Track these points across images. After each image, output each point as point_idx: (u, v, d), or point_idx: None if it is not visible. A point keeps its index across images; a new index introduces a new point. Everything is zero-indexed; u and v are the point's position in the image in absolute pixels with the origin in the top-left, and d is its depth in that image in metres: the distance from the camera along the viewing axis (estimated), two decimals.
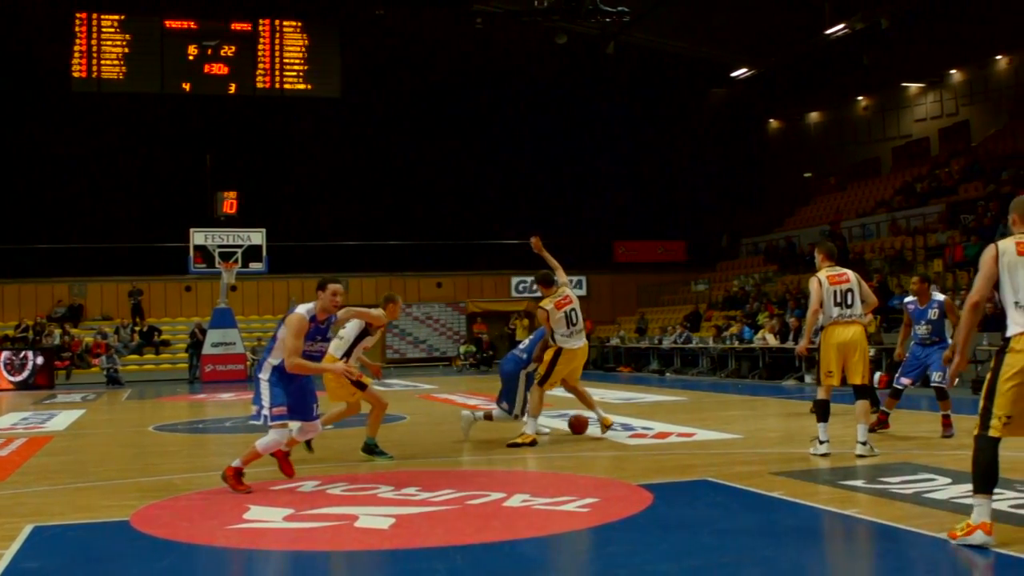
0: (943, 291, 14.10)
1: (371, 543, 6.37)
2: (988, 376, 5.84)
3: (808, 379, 22.18)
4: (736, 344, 26.47)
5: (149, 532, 6.86)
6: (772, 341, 24.47)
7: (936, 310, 11.68)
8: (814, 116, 44.13)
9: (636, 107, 42.06)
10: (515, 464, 9.93)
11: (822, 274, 10.06)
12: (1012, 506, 6.84)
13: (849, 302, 9.88)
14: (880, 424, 11.60)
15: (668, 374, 28.59)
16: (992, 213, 26.26)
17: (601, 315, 37.67)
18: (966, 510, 6.73)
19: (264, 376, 8.38)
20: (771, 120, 45.83)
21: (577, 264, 39.53)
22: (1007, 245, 5.94)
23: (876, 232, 32.12)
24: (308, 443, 10.30)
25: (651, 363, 30.64)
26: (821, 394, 9.95)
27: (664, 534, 6.54)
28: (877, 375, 19.76)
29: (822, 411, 9.83)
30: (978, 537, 5.68)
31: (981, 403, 5.82)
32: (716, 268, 39.68)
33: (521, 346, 12.37)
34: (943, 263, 25.54)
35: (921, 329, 11.77)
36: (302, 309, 8.42)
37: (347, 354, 10.24)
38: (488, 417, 12.01)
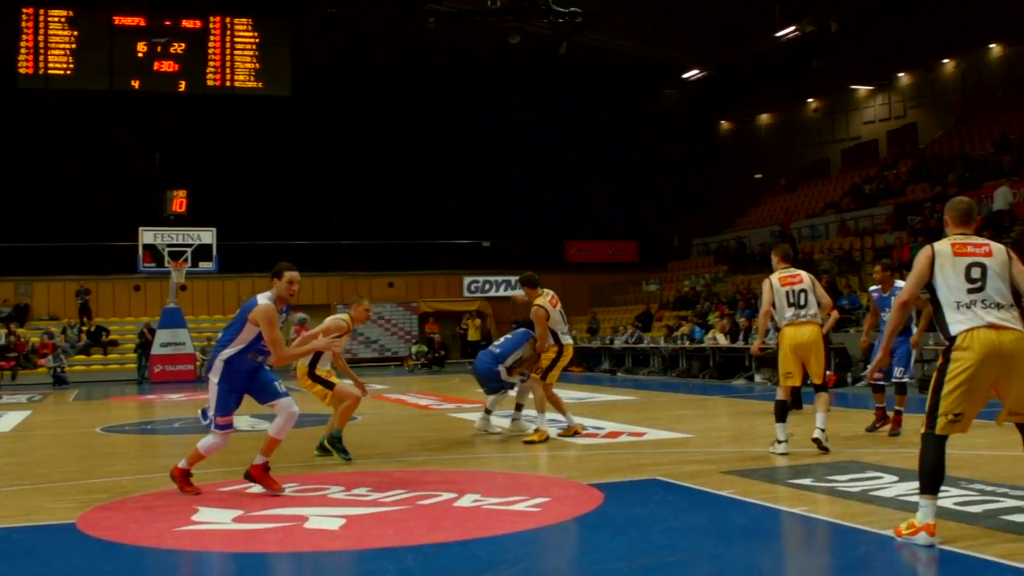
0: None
1: (321, 544, 6.33)
2: (935, 375, 5.90)
3: (758, 379, 22.35)
4: (687, 344, 26.61)
5: (96, 535, 6.77)
6: (722, 341, 24.62)
7: None
8: (764, 118, 44.52)
9: (588, 107, 42.18)
10: (466, 464, 9.91)
11: (774, 276, 10.20)
12: (957, 503, 6.92)
13: (803, 303, 9.98)
14: (880, 421, 11.60)
15: (619, 374, 28.68)
16: (939, 215, 26.59)
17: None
18: (912, 507, 6.80)
19: (216, 379, 8.02)
20: (722, 121, 46.17)
21: (529, 264, 39.52)
22: (943, 247, 6.02)
23: (825, 233, 32.45)
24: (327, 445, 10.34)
25: (602, 363, 30.73)
26: (780, 395, 10.03)
27: (615, 533, 6.55)
28: (827, 374, 19.94)
29: (780, 411, 9.88)
30: (922, 538, 5.75)
31: (928, 402, 5.87)
32: (667, 268, 39.88)
33: (496, 344, 12.36)
34: (891, 264, 25.79)
35: (886, 318, 11.86)
36: (265, 298, 7.93)
37: (312, 364, 10.45)
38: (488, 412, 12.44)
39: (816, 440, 9.75)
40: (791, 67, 38.47)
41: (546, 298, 11.81)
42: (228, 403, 8.06)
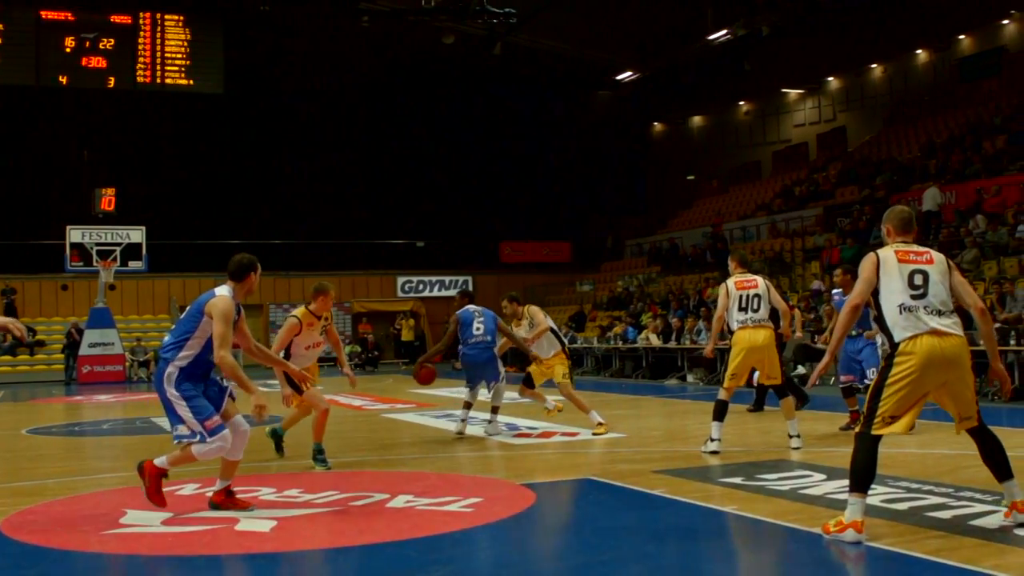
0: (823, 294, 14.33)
1: (251, 546, 6.26)
2: (875, 379, 6.03)
3: (690, 379, 22.53)
4: (620, 344, 26.75)
5: (21, 539, 6.64)
6: (655, 341, 24.78)
7: None
8: (697, 120, 44.92)
9: (523, 108, 42.24)
10: (399, 465, 9.88)
11: (731, 280, 10.32)
12: (883, 501, 7.03)
13: (755, 307, 10.12)
14: (855, 423, 11.59)
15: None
16: (867, 217, 27.03)
17: None
18: (840, 505, 6.91)
19: (173, 390, 6.96)
20: (655, 123, 46.51)
21: (463, 264, 39.65)
22: (887, 254, 6.14)
23: (756, 234, 32.80)
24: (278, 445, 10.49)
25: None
26: (722, 395, 10.05)
27: (547, 533, 6.57)
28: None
29: (719, 411, 9.94)
30: (849, 535, 5.83)
31: (866, 404, 5.98)
32: (600, 269, 40.07)
33: (475, 335, 12.17)
34: (820, 265, 26.19)
35: None
36: (226, 290, 7.18)
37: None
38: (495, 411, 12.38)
39: (796, 449, 9.86)
40: (723, 70, 38.86)
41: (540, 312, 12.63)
42: (205, 405, 6.98)
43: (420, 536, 6.44)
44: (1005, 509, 6.23)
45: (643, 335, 25.86)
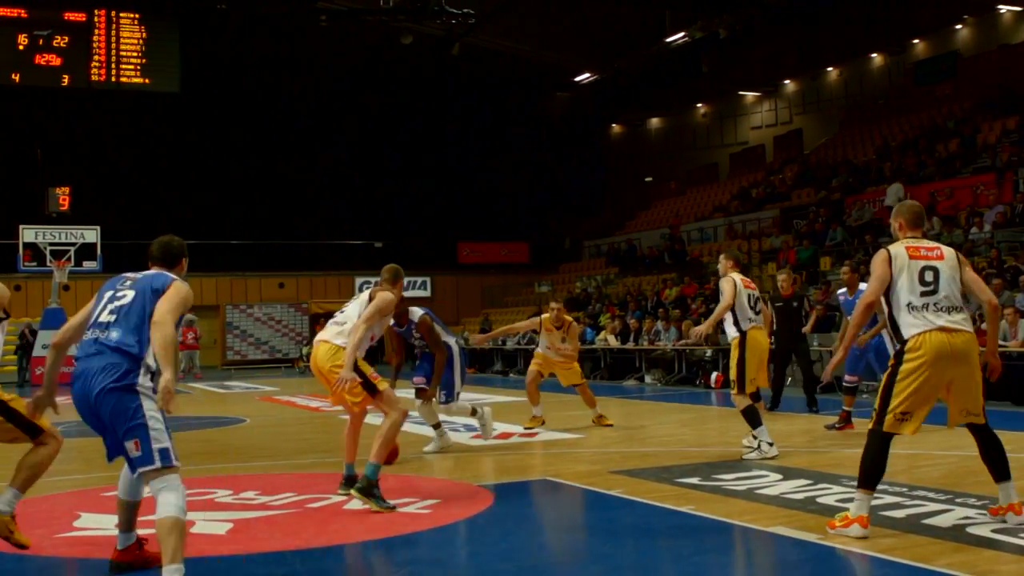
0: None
1: (208, 549, 6.22)
2: (886, 376, 6.03)
3: (648, 379, 22.60)
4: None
5: None
6: (613, 342, 24.85)
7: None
8: (655, 122, 45.13)
9: (481, 109, 42.23)
10: (356, 467, 9.82)
11: (737, 276, 9.94)
12: (839, 500, 7.09)
13: (758, 309, 9.89)
14: (844, 422, 11.57)
15: (512, 375, 28.76)
16: (823, 218, 27.26)
17: (445, 316, 37.57)
18: (793, 504, 6.98)
19: (150, 404, 5.30)
20: (613, 125, 46.67)
21: (421, 265, 39.57)
22: (898, 250, 6.13)
23: (714, 236, 32.98)
24: None
25: (495, 364, 30.78)
26: (745, 401, 9.48)
27: (504, 534, 6.57)
28: (714, 375, 20.29)
29: (755, 416, 9.41)
30: (855, 530, 5.85)
31: (877, 401, 6.00)
32: (559, 270, 40.14)
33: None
34: (777, 265, 26.37)
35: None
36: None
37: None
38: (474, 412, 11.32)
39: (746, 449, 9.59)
40: (681, 72, 39.08)
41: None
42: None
43: (377, 538, 6.42)
44: (992, 507, 6.31)
45: (601, 336, 25.93)
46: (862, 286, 11.98)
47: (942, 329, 5.91)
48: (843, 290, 12.39)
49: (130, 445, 5.24)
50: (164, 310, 5.38)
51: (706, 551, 5.90)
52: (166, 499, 5.21)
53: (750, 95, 40.99)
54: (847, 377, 12.01)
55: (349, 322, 7.92)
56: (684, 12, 34.16)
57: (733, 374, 9.56)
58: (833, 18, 34.28)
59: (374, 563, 5.97)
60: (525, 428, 12.56)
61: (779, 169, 35.55)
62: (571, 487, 8.17)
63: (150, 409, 5.27)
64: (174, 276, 5.73)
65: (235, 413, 16.71)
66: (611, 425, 12.73)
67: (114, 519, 6.59)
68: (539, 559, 5.93)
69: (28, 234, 30.98)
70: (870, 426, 6.06)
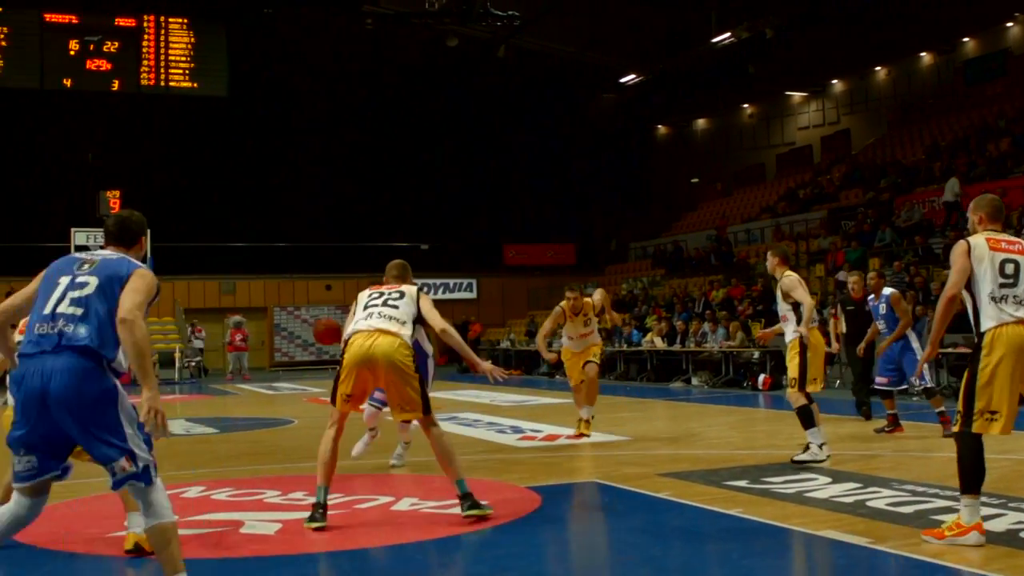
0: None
1: (257, 549, 6.27)
2: (966, 374, 5.88)
3: (695, 381, 22.49)
4: (624, 347, 26.73)
5: (26, 541, 6.64)
6: (660, 344, 24.77)
7: (884, 304, 11.75)
8: (701, 123, 44.91)
9: (527, 111, 42.23)
10: (404, 468, 9.86)
11: (797, 277, 9.55)
12: (889, 504, 7.02)
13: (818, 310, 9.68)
14: (893, 425, 11.44)
15: (558, 376, 28.69)
16: (871, 219, 27.01)
17: (491, 318, 37.78)
18: (844, 509, 6.91)
19: (120, 407, 4.67)
20: (659, 126, 46.48)
21: (467, 267, 39.67)
22: (977, 240, 5.99)
23: (761, 237, 32.77)
24: None
25: (541, 366, 30.73)
26: (803, 399, 9.25)
27: (552, 536, 6.56)
28: (762, 377, 20.16)
29: (810, 416, 9.20)
30: (973, 537, 5.70)
31: (961, 401, 5.85)
32: (605, 272, 40.05)
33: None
34: (825, 268, 26.17)
35: (880, 325, 11.91)
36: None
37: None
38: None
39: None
40: (727, 73, 38.86)
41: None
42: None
43: (425, 539, 6.44)
44: None
45: (648, 338, 25.85)
46: (886, 290, 11.87)
47: (1020, 322, 5.75)
48: (871, 296, 12.21)
49: (123, 463, 4.59)
50: (132, 305, 4.67)
51: (754, 554, 5.86)
52: (155, 502, 4.68)
53: (797, 95, 40.69)
54: (877, 380, 11.87)
55: (406, 319, 7.31)
56: (730, 13, 33.98)
57: (794, 372, 9.26)
58: (881, 17, 33.95)
59: (421, 564, 5.98)
60: (574, 435, 11.84)
61: (827, 170, 35.26)
62: (619, 489, 8.14)
63: (128, 420, 4.67)
64: (136, 262, 5.04)
65: (283, 414, 16.83)
66: (588, 435, 11.69)
67: None
68: (588, 561, 5.93)
69: (80, 237, 31.32)
70: (956, 428, 5.90)
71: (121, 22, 38.44)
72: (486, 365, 7.40)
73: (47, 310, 4.70)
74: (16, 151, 36.55)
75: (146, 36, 38.71)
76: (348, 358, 7.13)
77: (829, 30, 35.46)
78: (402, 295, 7.45)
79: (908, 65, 36.61)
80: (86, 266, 4.85)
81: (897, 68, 36.96)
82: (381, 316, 7.23)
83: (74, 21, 37.81)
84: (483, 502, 6.92)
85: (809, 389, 9.23)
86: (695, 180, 44.20)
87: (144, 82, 38.65)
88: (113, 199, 33.38)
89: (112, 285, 4.75)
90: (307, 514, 6.89)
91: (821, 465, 8.88)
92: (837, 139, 37.98)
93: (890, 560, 5.57)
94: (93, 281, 4.76)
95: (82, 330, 4.61)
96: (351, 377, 7.16)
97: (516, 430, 13.00)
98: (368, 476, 9.25)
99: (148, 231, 5.57)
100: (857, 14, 34.07)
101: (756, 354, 21.04)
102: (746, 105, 42.49)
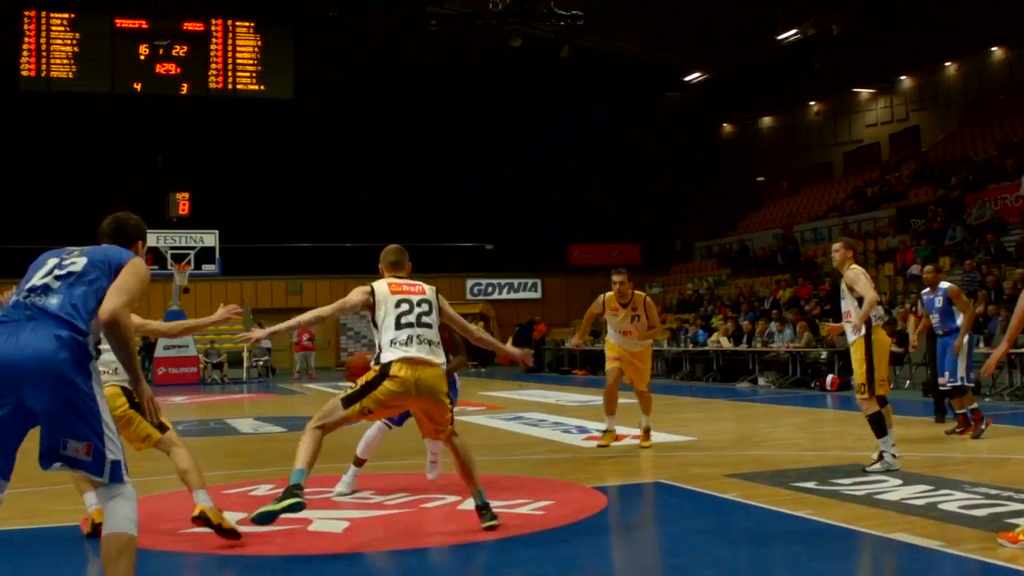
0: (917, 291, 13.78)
1: (324, 547, 6.33)
2: None
3: (762, 381, 22.31)
4: (690, 346, 26.59)
5: (100, 537, 6.76)
6: (726, 344, 24.61)
7: (941, 298, 11.59)
8: (767, 121, 44.51)
9: (591, 110, 42.16)
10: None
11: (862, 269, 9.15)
12: (962, 507, 6.91)
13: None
14: (964, 426, 11.20)
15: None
16: (941, 217, 26.59)
17: (556, 318, 37.74)
18: (916, 511, 6.81)
19: (96, 387, 4.36)
20: (724, 124, 46.15)
21: (532, 267, 39.69)
22: None
23: (828, 236, 32.37)
24: None
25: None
26: (874, 406, 8.74)
27: (619, 537, 6.55)
28: (830, 377, 19.94)
29: (882, 424, 8.71)
30: None
31: None
32: (670, 271, 39.88)
33: None
34: (894, 267, 25.82)
35: (933, 319, 11.74)
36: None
37: None
38: None
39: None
40: (793, 70, 38.47)
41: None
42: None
43: (490, 538, 6.45)
44: None
45: (713, 338, 25.70)
46: (943, 284, 11.66)
47: None
48: (925, 290, 11.99)
49: (77, 446, 4.22)
50: (115, 307, 4.38)
51: (823, 557, 5.79)
52: (117, 511, 4.30)
53: (864, 92, 40.16)
54: (940, 380, 11.65)
55: (439, 339, 6.94)
56: (796, 9, 33.65)
57: (861, 377, 8.72)
58: (951, 11, 33.37)
59: (488, 563, 5.99)
60: (598, 446, 10.61)
61: (895, 167, 34.78)
62: (684, 490, 8.09)
63: (104, 407, 4.31)
64: (130, 251, 4.90)
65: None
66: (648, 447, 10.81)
67: (234, 515, 6.76)
68: (654, 563, 5.90)
69: (150, 238, 31.85)
70: None
71: (189, 26, 39.04)
72: (517, 351, 7.34)
73: (27, 285, 4.46)
74: (88, 154, 37.21)
75: (213, 40, 39.27)
76: (392, 388, 6.52)
77: (897, 25, 34.93)
78: (431, 307, 7.02)
79: (978, 60, 35.96)
80: (76, 252, 4.68)
81: (967, 63, 36.31)
82: (421, 342, 6.71)
83: (144, 26, 38.45)
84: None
85: (879, 392, 8.77)
86: (761, 178, 43.83)
87: (212, 85, 39.22)
88: (182, 200, 33.97)
89: (101, 266, 4.55)
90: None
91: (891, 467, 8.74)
92: (906, 136, 37.44)
93: (964, 564, 5.48)
94: (80, 261, 4.57)
95: (54, 300, 4.34)
96: (389, 405, 6.71)
97: (582, 430, 12.99)
98: (439, 476, 9.27)
99: (146, 237, 5.29)
100: (925, 9, 33.53)
101: (824, 354, 20.82)
102: (812, 102, 42.03)
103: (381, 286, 7.01)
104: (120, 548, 4.26)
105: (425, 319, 6.86)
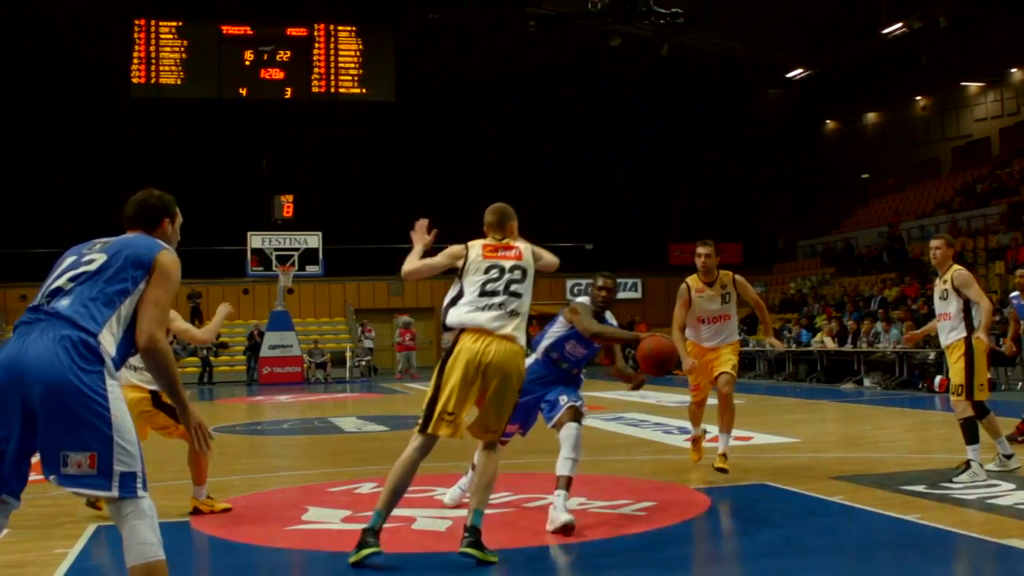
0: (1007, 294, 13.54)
1: (428, 545, 6.39)
2: None
3: (867, 383, 21.91)
4: (793, 347, 26.24)
5: (209, 532, 6.93)
6: (830, 344, 24.23)
7: None
8: (871, 116, 43.66)
9: (691, 109, 41.86)
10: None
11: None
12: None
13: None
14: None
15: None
16: None
17: (656, 317, 37.48)
18: None
19: (116, 404, 3.94)
20: (827, 121, 45.41)
21: (632, 266, 39.52)
22: None
23: (936, 233, 31.70)
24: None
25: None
26: (969, 410, 8.40)
27: (721, 539, 6.49)
28: (938, 379, 19.50)
29: (975, 431, 8.35)
30: None
31: None
32: (772, 270, 39.39)
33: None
34: (1005, 265, 25.17)
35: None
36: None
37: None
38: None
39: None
40: (898, 64, 37.69)
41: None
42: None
43: (593, 538, 6.44)
44: None
45: (817, 338, 25.33)
46: None
47: None
48: (1015, 294, 11.54)
49: (79, 459, 3.74)
50: (150, 329, 4.08)
51: (934, 562, 5.68)
52: (135, 536, 3.81)
53: (973, 86, 39.16)
54: None
55: (525, 311, 6.27)
56: (901, 2, 32.97)
57: (960, 379, 8.39)
58: None
59: (591, 564, 5.98)
60: (693, 463, 9.71)
61: (1006, 163, 33.87)
62: (789, 492, 8.00)
63: (120, 413, 3.86)
64: (161, 243, 4.40)
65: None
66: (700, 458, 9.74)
67: (340, 513, 6.84)
68: (758, 566, 5.84)
69: (255, 240, 32.55)
70: None
71: (292, 32, 39.72)
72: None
73: (45, 288, 4.13)
74: (196, 158, 38.08)
75: (316, 45, 39.89)
76: (459, 363, 5.90)
77: (1008, 16, 34.00)
78: (524, 275, 6.30)
79: None
80: (97, 246, 4.27)
81: None
82: (503, 312, 6.06)
83: (248, 33, 39.23)
84: (488, 550, 5.81)
85: (978, 397, 8.41)
86: (865, 175, 43.01)
87: (315, 89, 39.86)
88: (286, 203, 34.59)
89: (122, 264, 4.13)
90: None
91: (1007, 473, 8.51)
92: (1017, 130, 36.41)
93: None
94: (100, 259, 4.16)
95: (64, 301, 4.00)
96: (460, 391, 5.94)
97: (683, 431, 12.86)
98: (536, 475, 9.31)
99: (177, 211, 4.81)
100: None
101: (932, 355, 20.36)
102: (919, 97, 41.11)
103: (475, 248, 6.55)
104: (147, 574, 3.79)
105: (515, 287, 6.21)
